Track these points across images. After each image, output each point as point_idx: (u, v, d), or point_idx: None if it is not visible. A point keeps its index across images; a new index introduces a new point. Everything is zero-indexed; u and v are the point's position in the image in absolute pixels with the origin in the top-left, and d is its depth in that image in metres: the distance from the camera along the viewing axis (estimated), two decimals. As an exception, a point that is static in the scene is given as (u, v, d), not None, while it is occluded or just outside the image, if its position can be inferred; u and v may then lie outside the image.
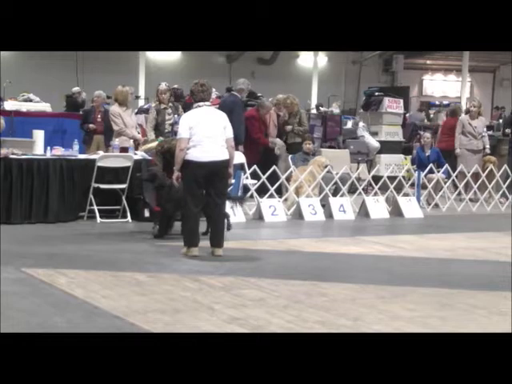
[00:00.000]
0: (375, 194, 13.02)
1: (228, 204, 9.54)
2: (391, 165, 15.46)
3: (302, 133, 14.05)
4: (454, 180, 14.02)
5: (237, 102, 13.13)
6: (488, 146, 15.47)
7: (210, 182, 8.50)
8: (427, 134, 14.93)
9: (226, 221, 9.16)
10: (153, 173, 9.55)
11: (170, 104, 12.14)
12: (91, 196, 10.68)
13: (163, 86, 12.07)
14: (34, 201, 10.39)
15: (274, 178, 12.29)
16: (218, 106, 12.49)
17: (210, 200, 8.59)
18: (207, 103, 8.74)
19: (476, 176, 14.33)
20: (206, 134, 8.48)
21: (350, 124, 18.28)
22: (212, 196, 8.57)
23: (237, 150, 11.84)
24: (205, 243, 8.63)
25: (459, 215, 13.32)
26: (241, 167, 11.94)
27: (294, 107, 14.28)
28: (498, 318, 6.34)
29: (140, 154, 11.23)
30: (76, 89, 20.40)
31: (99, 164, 10.68)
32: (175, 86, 15.32)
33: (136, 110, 15.49)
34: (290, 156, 13.27)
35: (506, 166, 14.55)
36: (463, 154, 15.25)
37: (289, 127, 14.12)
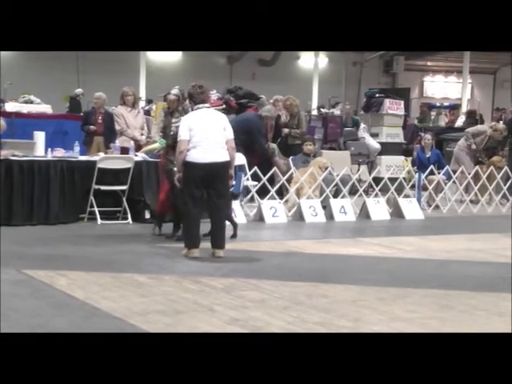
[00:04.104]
0: (376, 195, 13.02)
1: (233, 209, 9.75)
2: (392, 166, 15.42)
3: (298, 135, 14.01)
4: (454, 181, 14.03)
5: (256, 122, 13.22)
6: None
7: (210, 183, 8.51)
8: (428, 136, 14.92)
9: (233, 229, 9.64)
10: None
11: (180, 108, 12.12)
12: (92, 197, 10.68)
13: (172, 95, 11.87)
14: (34, 202, 10.38)
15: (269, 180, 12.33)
16: (232, 110, 12.58)
17: (211, 202, 8.60)
18: (206, 105, 8.81)
19: (475, 177, 14.32)
20: (205, 136, 8.51)
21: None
22: (213, 198, 8.57)
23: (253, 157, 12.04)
24: (206, 244, 8.63)
25: (460, 217, 13.32)
26: (241, 168, 11.93)
27: (294, 108, 14.23)
28: (497, 319, 6.34)
29: (141, 156, 11.24)
30: (79, 90, 20.47)
31: (100, 165, 10.67)
32: (176, 87, 15.28)
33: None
34: (290, 157, 13.25)
35: (506, 168, 14.57)
36: (463, 156, 15.28)
37: (286, 130, 14.09)
